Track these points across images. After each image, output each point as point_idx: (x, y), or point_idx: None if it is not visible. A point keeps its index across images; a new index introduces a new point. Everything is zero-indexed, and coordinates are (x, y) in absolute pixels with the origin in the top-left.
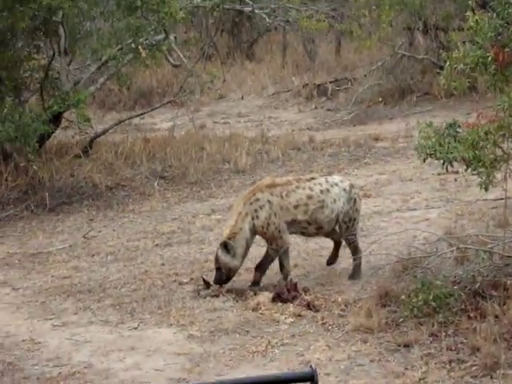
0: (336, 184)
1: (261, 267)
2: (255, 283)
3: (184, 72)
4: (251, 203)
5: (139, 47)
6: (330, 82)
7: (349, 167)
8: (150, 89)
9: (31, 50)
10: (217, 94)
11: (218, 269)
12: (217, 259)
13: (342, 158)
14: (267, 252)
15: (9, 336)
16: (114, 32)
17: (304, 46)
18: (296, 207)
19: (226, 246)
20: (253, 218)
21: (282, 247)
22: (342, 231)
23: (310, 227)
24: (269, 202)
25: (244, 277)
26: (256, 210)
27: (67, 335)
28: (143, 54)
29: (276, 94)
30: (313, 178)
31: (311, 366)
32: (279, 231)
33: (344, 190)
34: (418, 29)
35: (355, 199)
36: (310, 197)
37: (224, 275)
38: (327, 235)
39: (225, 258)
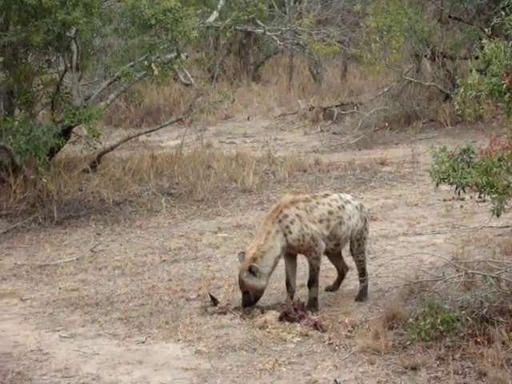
0: (349, 201)
1: (313, 282)
2: (314, 299)
3: (191, 91)
4: (280, 220)
5: (152, 65)
6: (336, 106)
7: (355, 190)
8: (157, 107)
9: (43, 64)
10: (223, 113)
11: (246, 292)
12: (242, 284)
13: (348, 181)
14: (310, 264)
15: (17, 346)
16: (127, 49)
17: (310, 69)
18: (320, 221)
19: (251, 270)
20: (285, 235)
21: (320, 253)
22: (353, 249)
23: (330, 243)
24: (297, 215)
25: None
26: (287, 226)
27: (75, 347)
28: (156, 72)
29: (282, 115)
30: (327, 195)
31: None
32: (313, 240)
33: (356, 207)
34: (425, 56)
35: (366, 218)
36: (330, 212)
37: (252, 297)
38: (334, 261)
39: (251, 281)
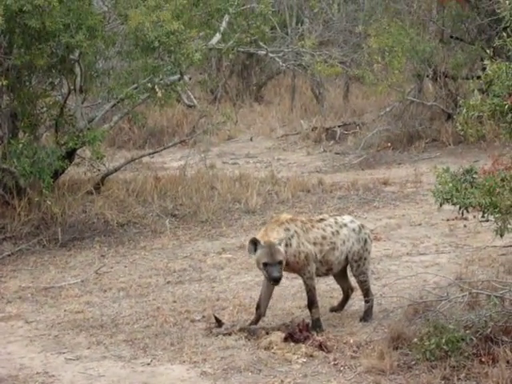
0: (345, 225)
1: (312, 303)
2: (317, 320)
3: (194, 112)
4: (285, 229)
5: (155, 87)
6: (339, 126)
7: (358, 210)
8: (160, 128)
9: (47, 87)
10: (226, 134)
11: (279, 262)
12: (279, 252)
13: (352, 201)
14: (306, 284)
15: (23, 368)
16: (130, 71)
17: (312, 89)
18: (314, 244)
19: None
20: (286, 245)
21: (313, 273)
22: (353, 270)
23: (321, 268)
24: (296, 232)
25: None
26: (289, 238)
27: (81, 369)
28: (159, 94)
29: (285, 136)
30: (322, 220)
31: None
32: (307, 259)
33: (353, 230)
34: (427, 76)
35: (365, 239)
36: (324, 237)
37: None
38: (339, 281)
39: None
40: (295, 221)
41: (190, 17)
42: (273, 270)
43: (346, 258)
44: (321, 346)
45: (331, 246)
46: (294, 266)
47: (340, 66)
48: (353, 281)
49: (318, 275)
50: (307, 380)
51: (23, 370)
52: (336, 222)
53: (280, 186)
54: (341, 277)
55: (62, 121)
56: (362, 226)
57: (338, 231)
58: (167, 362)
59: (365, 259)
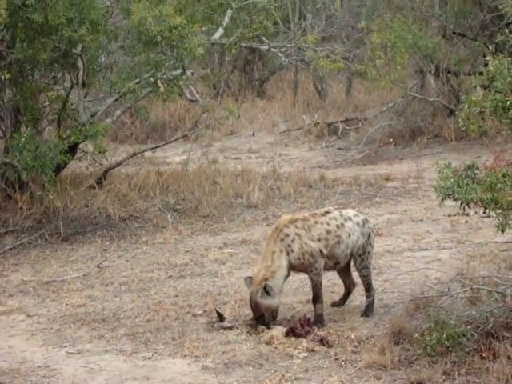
0: (350, 218)
1: (317, 298)
2: (320, 315)
3: (196, 107)
4: (282, 239)
5: (158, 81)
6: (341, 122)
7: (360, 205)
8: (163, 123)
9: (49, 81)
10: (228, 129)
11: (261, 316)
12: (257, 306)
13: (353, 197)
14: (312, 280)
15: (24, 362)
16: (133, 66)
17: (315, 85)
18: (319, 240)
19: (265, 289)
20: (288, 253)
21: (321, 269)
22: (356, 264)
23: (329, 262)
24: (297, 234)
25: None
26: (289, 245)
27: (82, 363)
28: (162, 89)
29: (287, 131)
30: (327, 212)
31: None
32: (313, 256)
33: (357, 223)
34: (429, 72)
35: (369, 233)
36: (328, 232)
37: (269, 318)
38: (342, 276)
39: (266, 301)
40: (295, 221)
41: (193, 11)
42: (258, 322)
43: (351, 251)
44: (322, 341)
45: (336, 240)
46: (301, 268)
47: (342, 61)
48: (355, 276)
49: (327, 269)
50: (308, 375)
51: (25, 364)
52: (341, 215)
53: (282, 181)
54: (344, 271)
55: (64, 115)
56: (365, 220)
57: (342, 224)
58: (168, 356)
59: (368, 253)
